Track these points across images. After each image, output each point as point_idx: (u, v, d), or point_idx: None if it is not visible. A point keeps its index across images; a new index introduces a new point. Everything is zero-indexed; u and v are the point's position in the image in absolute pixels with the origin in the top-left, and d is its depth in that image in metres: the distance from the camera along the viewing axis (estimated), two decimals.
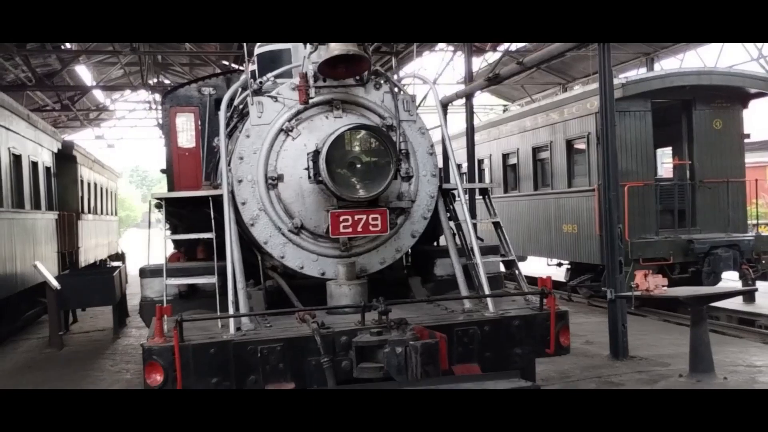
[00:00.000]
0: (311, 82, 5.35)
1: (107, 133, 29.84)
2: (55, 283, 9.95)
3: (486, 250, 6.12)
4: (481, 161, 15.65)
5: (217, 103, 9.71)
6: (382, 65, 18.20)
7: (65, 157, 14.61)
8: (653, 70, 16.59)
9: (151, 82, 23.98)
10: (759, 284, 11.83)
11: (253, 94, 5.58)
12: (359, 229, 5.18)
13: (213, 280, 5.23)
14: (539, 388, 4.15)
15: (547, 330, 5.05)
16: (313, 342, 4.56)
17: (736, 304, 11.64)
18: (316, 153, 5.05)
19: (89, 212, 17.06)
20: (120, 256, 22.02)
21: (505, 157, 14.66)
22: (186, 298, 5.63)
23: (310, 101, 5.39)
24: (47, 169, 12.84)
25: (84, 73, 22.12)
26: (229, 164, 5.59)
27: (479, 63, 19.55)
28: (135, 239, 37.33)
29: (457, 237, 5.98)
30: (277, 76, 6.00)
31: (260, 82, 5.74)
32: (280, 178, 5.42)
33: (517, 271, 5.86)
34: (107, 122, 29.76)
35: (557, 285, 13.61)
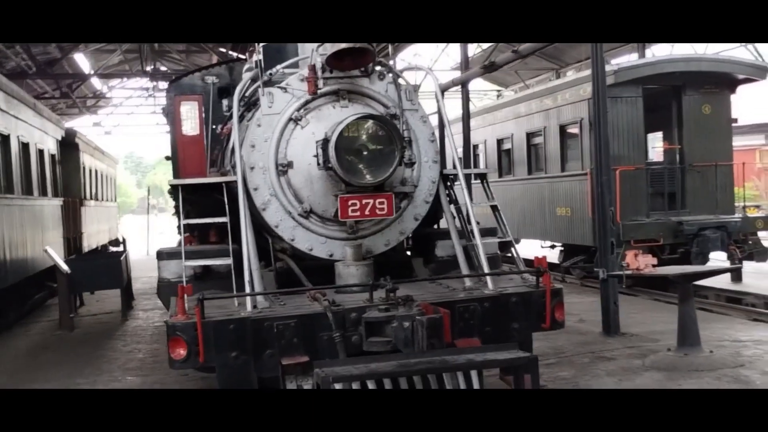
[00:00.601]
0: (319, 74, 5.66)
1: (104, 120, 30.00)
2: (65, 267, 10.25)
3: (484, 232, 6.42)
4: (476, 146, 15.96)
5: (221, 91, 10.04)
6: (378, 52, 18.45)
7: (68, 145, 14.86)
8: (644, 55, 16.89)
9: (148, 68, 24.16)
10: (746, 264, 12.26)
11: (264, 85, 5.87)
12: (367, 212, 5.49)
13: (229, 261, 5.53)
14: (537, 358, 4.48)
15: (543, 306, 5.38)
16: (325, 318, 4.89)
17: (724, 283, 12.03)
18: (326, 141, 5.36)
19: (91, 198, 17.33)
20: (119, 242, 22.28)
21: (500, 142, 14.97)
22: (200, 279, 5.91)
23: (318, 92, 5.70)
24: (52, 156, 13.10)
25: (82, 60, 22.27)
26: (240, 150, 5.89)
27: (473, 48, 19.76)
28: (132, 225, 37.55)
29: (456, 220, 6.31)
30: (284, 68, 6.30)
31: (270, 74, 6.02)
32: (290, 164, 5.72)
33: (514, 251, 6.18)
34: (104, 109, 29.91)
35: (551, 267, 13.98)
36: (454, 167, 6.31)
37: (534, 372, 4.51)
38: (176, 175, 10.49)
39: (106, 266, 10.75)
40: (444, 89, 14.03)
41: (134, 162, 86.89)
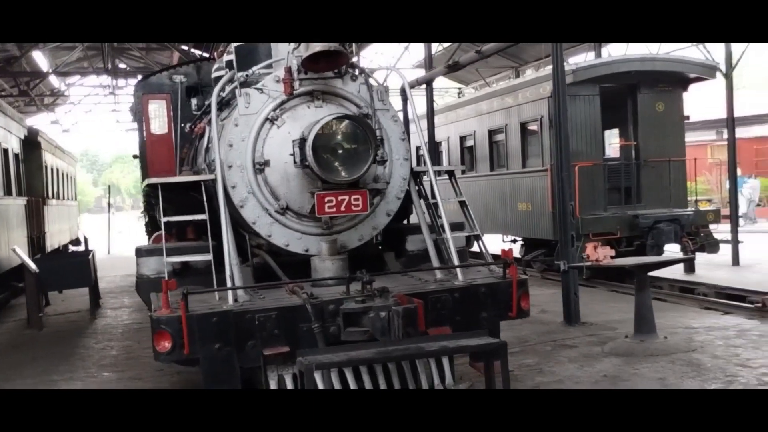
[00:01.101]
0: (295, 75, 5.87)
1: (62, 117, 29.59)
2: (33, 266, 10.25)
3: (452, 227, 6.71)
4: (439, 143, 16.29)
5: (189, 90, 10.15)
6: None
7: (30, 144, 14.74)
8: (600, 54, 17.42)
9: (107, 66, 23.96)
10: (698, 255, 12.82)
11: (241, 86, 6.05)
12: (342, 208, 5.72)
13: (209, 257, 5.70)
14: (506, 344, 4.77)
15: (510, 296, 5.69)
16: (305, 310, 5.11)
17: (678, 274, 12.54)
18: (303, 140, 5.57)
19: (53, 198, 17.19)
20: (79, 242, 22.06)
21: (463, 139, 15.31)
22: (179, 276, 6.05)
23: (294, 93, 5.92)
24: (16, 155, 13.01)
25: (40, 58, 21.99)
26: (215, 151, 6.06)
27: (436, 46, 20.10)
28: (90, 224, 37.01)
29: (426, 215, 6.58)
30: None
31: (246, 75, 6.20)
32: (266, 163, 5.92)
33: (481, 244, 6.48)
34: (62, 107, 29.50)
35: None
36: (424, 163, 6.58)
37: (503, 357, 4.82)
38: (145, 174, 10.57)
39: (75, 265, 10.78)
40: (411, 87, 14.34)
41: (90, 160, 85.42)
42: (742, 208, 24.29)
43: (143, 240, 12.66)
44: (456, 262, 5.96)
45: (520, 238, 14.20)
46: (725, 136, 27.09)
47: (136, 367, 7.77)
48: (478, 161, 14.66)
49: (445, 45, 19.20)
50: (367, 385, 5.07)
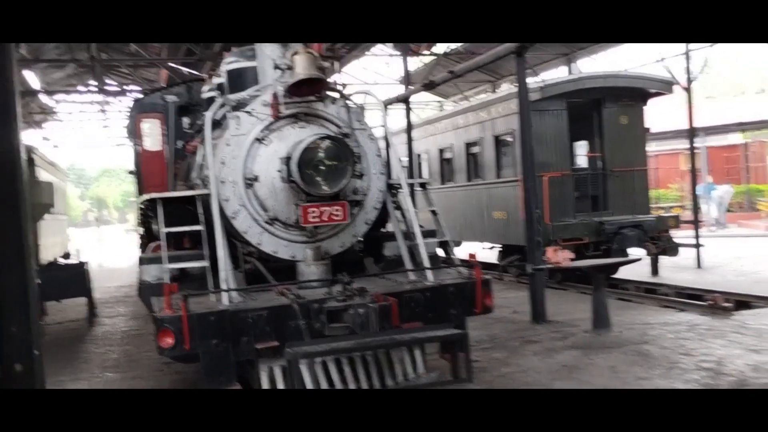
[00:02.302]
0: (281, 100, 6.56)
1: (52, 133, 30.12)
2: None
3: (426, 234, 7.41)
4: (420, 155, 17.02)
5: (180, 109, 10.84)
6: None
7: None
8: (571, 68, 18.28)
9: (93, 82, 24.54)
10: (663, 259, 13.61)
11: (232, 110, 6.74)
12: (325, 218, 6.39)
13: (205, 263, 6.36)
14: (467, 334, 5.47)
15: (475, 294, 6.40)
16: (292, 309, 5.77)
17: (644, 276, 13.34)
18: (288, 158, 6.25)
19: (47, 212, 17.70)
20: (69, 255, 22.52)
21: (442, 151, 16.04)
22: (176, 281, 6.72)
23: (280, 115, 6.61)
24: None
25: (30, 77, 22.54)
26: (208, 168, 6.73)
27: (416, 63, 20.89)
28: (78, 238, 37.42)
29: (402, 223, 7.28)
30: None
31: (237, 101, 6.89)
32: (256, 178, 6.57)
33: (450, 250, 7.19)
34: (51, 123, 30.01)
35: (491, 266, 15.14)
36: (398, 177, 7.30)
37: (466, 347, 5.53)
38: (140, 188, 11.21)
39: (73, 275, 11.37)
40: (388, 104, 15.10)
41: (77, 174, 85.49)
42: (713, 214, 25.22)
43: (134, 252, 13.21)
44: (427, 264, 6.66)
45: (497, 245, 14.91)
46: (696, 144, 28.11)
47: (138, 368, 8.39)
48: (456, 172, 15.38)
49: (425, 60, 19.99)
50: (348, 373, 5.72)
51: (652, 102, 13.34)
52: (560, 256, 7.64)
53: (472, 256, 6.56)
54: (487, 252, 15.89)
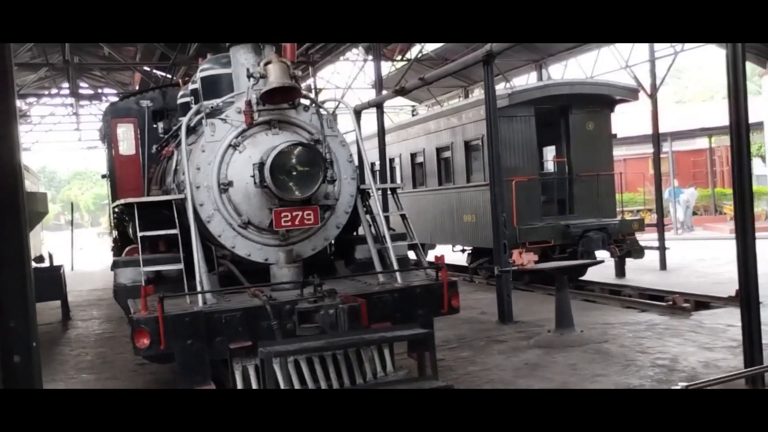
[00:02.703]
0: (254, 107, 6.77)
1: (23, 136, 29.88)
2: None
3: (395, 237, 7.67)
4: (392, 160, 17.28)
5: (155, 114, 10.99)
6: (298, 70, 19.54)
7: None
8: (542, 75, 18.70)
9: (66, 85, 24.50)
10: (629, 261, 14.02)
11: (207, 117, 6.93)
12: (297, 222, 6.60)
13: (180, 266, 6.54)
14: (432, 333, 5.72)
15: (442, 295, 6.66)
16: (265, 310, 5.98)
17: (609, 278, 13.73)
18: (262, 164, 6.46)
19: None
20: (42, 259, 22.40)
21: (414, 156, 16.32)
22: (152, 284, 6.89)
23: (253, 122, 6.81)
24: None
25: None
26: (183, 173, 6.92)
27: (388, 67, 21.17)
28: (50, 242, 37.10)
29: (372, 227, 7.52)
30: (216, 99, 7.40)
31: (212, 107, 7.08)
32: (230, 184, 6.76)
33: (419, 252, 7.44)
34: (23, 126, 29.78)
35: (462, 268, 15.45)
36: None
37: (431, 346, 5.79)
38: (114, 192, 11.34)
39: (49, 279, 11.43)
40: (360, 109, 15.36)
41: (48, 177, 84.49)
42: (680, 216, 25.81)
43: (107, 256, 13.28)
44: (396, 266, 6.91)
45: (468, 248, 15.22)
46: (664, 149, 28.75)
47: (112, 369, 8.53)
48: (428, 177, 15.66)
49: (398, 66, 20.27)
50: (319, 372, 5.94)
51: (622, 107, 13.74)
52: (525, 259, 7.93)
53: (439, 258, 6.80)
54: (458, 254, 16.24)
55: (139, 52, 21.28)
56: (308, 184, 6.55)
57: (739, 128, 5.75)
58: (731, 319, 8.94)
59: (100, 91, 25.86)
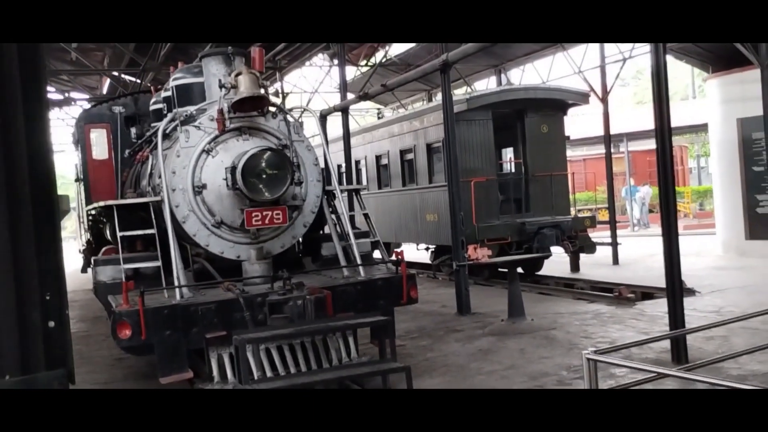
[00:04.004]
0: (226, 115, 7.29)
1: None
2: None
3: (359, 235, 8.25)
4: (358, 162, 17.86)
5: (127, 119, 11.42)
6: (267, 78, 20.03)
7: None
8: (501, 80, 19.46)
9: None
10: (584, 257, 14.78)
11: (182, 124, 7.43)
12: (266, 221, 7.15)
13: (158, 263, 7.05)
14: (391, 320, 6.31)
15: (401, 287, 7.26)
16: (238, 302, 6.53)
17: (564, 272, 14.45)
18: (233, 168, 6.99)
19: None
20: None
21: (378, 158, 16.91)
22: (131, 281, 7.39)
23: (225, 129, 7.34)
24: None
25: None
26: (159, 176, 7.42)
27: (354, 72, 21.74)
28: None
29: (337, 226, 8.09)
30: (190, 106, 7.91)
31: (186, 115, 7.59)
32: (204, 186, 7.28)
33: (381, 248, 8.03)
34: None
35: (426, 266, 16.10)
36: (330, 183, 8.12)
37: (390, 332, 6.38)
38: (88, 196, 11.71)
39: None
40: (326, 114, 15.92)
41: None
42: (636, 214, 26.79)
43: (76, 259, 13.67)
44: (359, 261, 7.49)
45: (431, 246, 15.84)
46: (621, 149, 29.74)
47: (90, 365, 8.97)
48: (392, 178, 16.26)
49: (363, 70, 20.85)
50: (289, 358, 6.49)
51: (583, 108, 14.48)
52: (479, 253, 8.56)
53: (398, 254, 7.40)
54: (423, 252, 16.88)
55: (107, 57, 21.54)
56: (277, 186, 7.09)
57: (663, 132, 6.43)
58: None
59: (68, 95, 25.97)
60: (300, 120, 8.17)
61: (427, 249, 16.60)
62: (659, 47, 6.63)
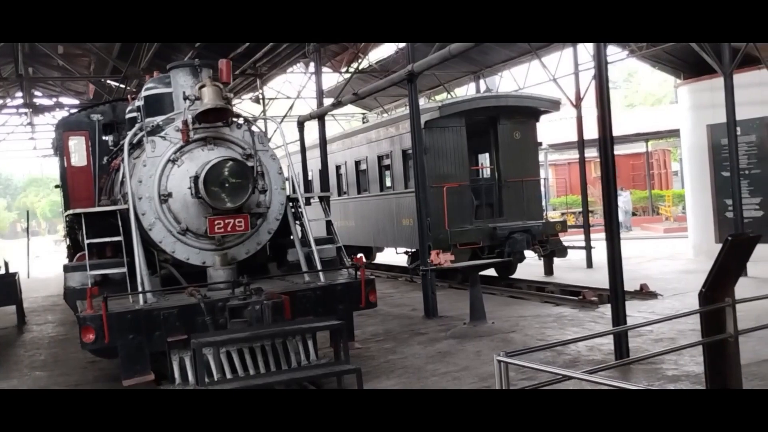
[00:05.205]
0: (190, 126, 7.55)
1: None
2: None
3: (324, 241, 8.53)
4: (339, 167, 18.13)
5: (105, 127, 11.66)
6: (248, 84, 20.32)
7: None
8: (479, 86, 19.77)
9: (19, 94, 24.85)
10: (558, 260, 15.05)
11: (148, 134, 7.69)
12: (229, 229, 7.41)
13: (124, 269, 7.30)
14: (343, 324, 6.57)
15: (360, 292, 7.52)
16: (199, 307, 6.79)
17: (539, 276, 14.71)
18: (196, 177, 7.26)
19: None
20: None
21: (357, 163, 17.17)
22: (100, 286, 7.62)
23: (190, 139, 7.59)
24: None
25: None
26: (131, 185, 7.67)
27: (337, 77, 21.99)
28: (5, 250, 37.02)
29: (301, 233, 8.35)
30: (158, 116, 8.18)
31: (152, 126, 7.84)
32: (170, 195, 7.53)
33: (342, 254, 8.29)
34: None
35: (403, 269, 16.36)
36: (295, 191, 8.38)
37: (342, 335, 6.64)
38: (66, 202, 11.95)
39: (4, 284, 12.01)
40: (303, 120, 16.20)
41: (2, 183, 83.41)
42: (619, 217, 27.09)
43: (63, 262, 13.84)
44: (319, 267, 7.76)
45: (410, 250, 16.10)
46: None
47: (64, 367, 9.20)
48: (371, 183, 16.51)
49: (345, 76, 21.10)
50: (248, 360, 6.73)
51: (543, 118, 14.79)
52: (442, 258, 8.83)
53: (357, 259, 7.66)
54: (401, 257, 17.15)
55: (93, 63, 21.76)
56: (239, 195, 7.36)
57: (606, 141, 6.72)
58: (631, 310, 9.89)
59: (55, 100, 26.18)
60: (278, 127, 8.42)
61: (406, 253, 16.86)
62: (601, 51, 6.91)
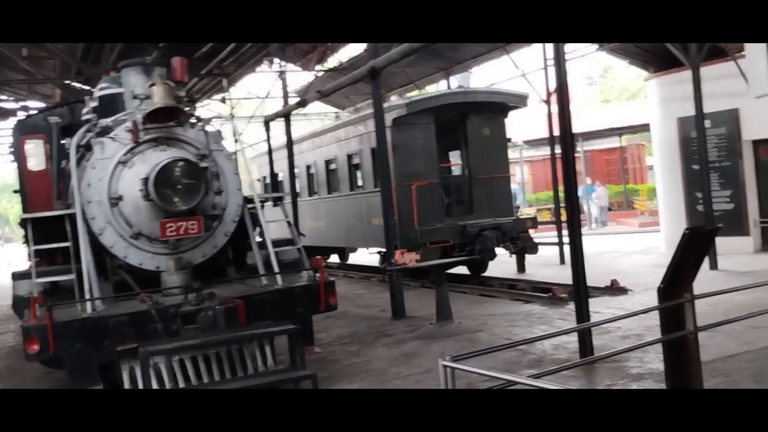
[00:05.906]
0: (140, 126, 7.28)
1: None
2: None
3: (286, 243, 8.30)
4: (309, 167, 17.89)
5: (63, 130, 11.32)
6: (215, 85, 19.98)
7: None
8: (449, 82, 19.62)
9: None
10: (531, 257, 14.94)
11: (96, 136, 7.42)
12: (181, 232, 7.14)
13: (71, 276, 7.02)
14: (298, 329, 6.34)
15: (319, 294, 7.31)
16: (150, 314, 6.53)
17: (510, 273, 14.59)
18: (146, 179, 7.00)
19: None
20: None
21: (328, 162, 16.94)
22: (50, 294, 7.33)
23: (140, 140, 7.32)
24: None
25: None
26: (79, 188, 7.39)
27: (308, 76, 21.75)
28: None
29: (258, 235, 8.11)
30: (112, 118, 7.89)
31: (101, 127, 7.57)
32: (120, 198, 7.25)
33: (302, 255, 8.06)
34: None
35: (376, 269, 16.16)
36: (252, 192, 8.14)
37: (297, 339, 6.41)
38: (25, 207, 11.59)
39: None
40: (269, 120, 15.96)
41: None
42: (594, 213, 27.15)
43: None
44: (276, 269, 7.53)
45: (379, 249, 15.89)
46: (578, 149, 30.02)
47: (19, 377, 8.91)
48: (341, 182, 16.29)
49: (319, 75, 20.89)
50: (202, 368, 6.49)
51: (512, 114, 14.67)
52: (406, 258, 8.65)
53: (317, 260, 7.45)
54: (374, 256, 16.95)
55: (57, 66, 21.33)
56: (191, 196, 7.10)
57: (565, 137, 6.56)
58: (600, 307, 9.88)
59: (21, 104, 25.67)
60: (219, 129, 8.17)
61: (379, 253, 16.66)
62: (560, 50, 6.77)
